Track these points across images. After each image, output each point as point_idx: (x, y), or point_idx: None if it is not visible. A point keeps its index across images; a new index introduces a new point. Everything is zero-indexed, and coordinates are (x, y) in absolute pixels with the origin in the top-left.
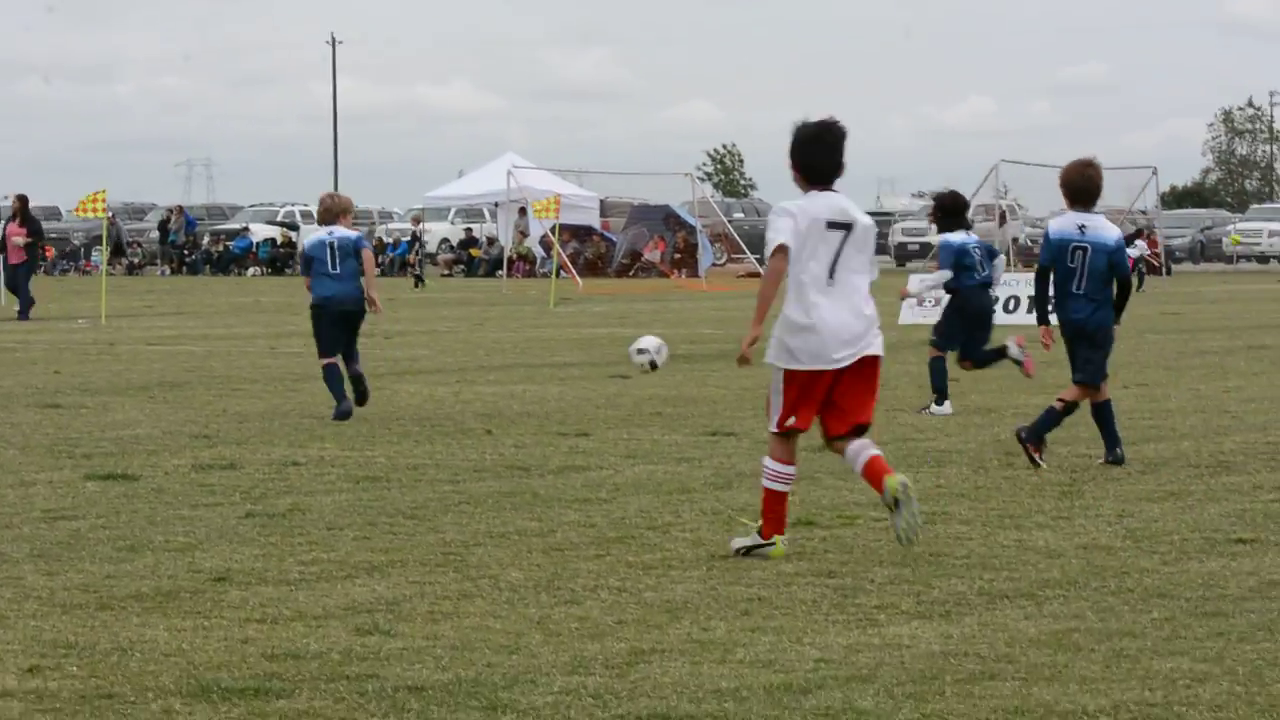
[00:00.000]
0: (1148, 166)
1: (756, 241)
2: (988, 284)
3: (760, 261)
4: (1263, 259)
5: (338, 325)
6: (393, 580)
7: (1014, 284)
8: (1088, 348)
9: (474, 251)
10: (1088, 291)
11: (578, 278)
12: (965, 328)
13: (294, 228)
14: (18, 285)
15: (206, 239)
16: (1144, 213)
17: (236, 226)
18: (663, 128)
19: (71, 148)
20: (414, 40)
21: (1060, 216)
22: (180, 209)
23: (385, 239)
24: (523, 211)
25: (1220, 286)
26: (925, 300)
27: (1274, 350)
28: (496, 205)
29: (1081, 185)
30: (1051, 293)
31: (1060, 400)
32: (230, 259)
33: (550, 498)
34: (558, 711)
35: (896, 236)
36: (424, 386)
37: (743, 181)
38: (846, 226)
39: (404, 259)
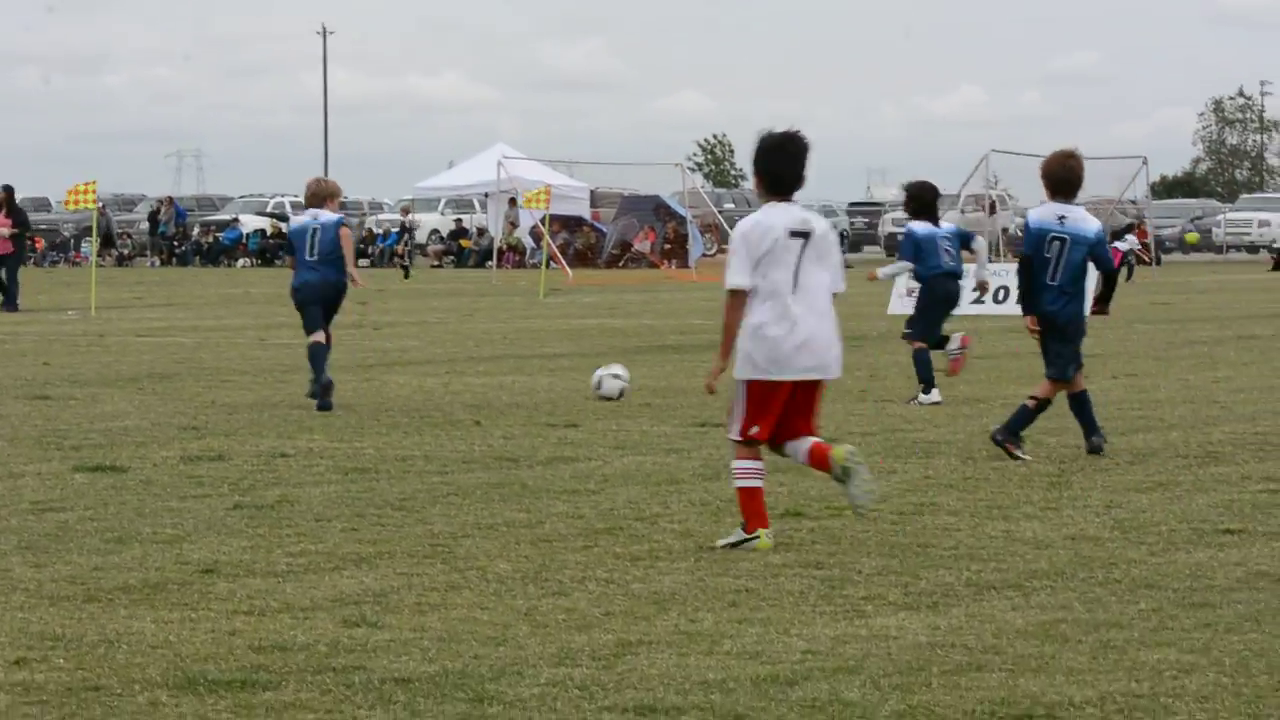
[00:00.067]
0: (1138, 156)
1: None
2: (955, 273)
3: None
4: (1252, 249)
5: (316, 304)
6: (380, 572)
7: (1004, 274)
8: (1058, 341)
9: (464, 242)
10: (1061, 283)
11: (568, 268)
12: (940, 313)
13: (284, 219)
14: (5, 277)
15: (196, 230)
16: (1134, 202)
17: (226, 218)
18: (654, 118)
19: (62, 139)
20: (404, 31)
21: (1041, 207)
22: (170, 200)
23: (375, 230)
24: (513, 202)
25: (1210, 276)
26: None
27: (1263, 340)
28: (486, 196)
29: (1063, 176)
30: None
31: (1032, 398)
32: (220, 250)
33: (539, 489)
34: (544, 703)
35: (886, 227)
36: (413, 378)
37: (733, 172)
38: (805, 235)
39: (393, 250)
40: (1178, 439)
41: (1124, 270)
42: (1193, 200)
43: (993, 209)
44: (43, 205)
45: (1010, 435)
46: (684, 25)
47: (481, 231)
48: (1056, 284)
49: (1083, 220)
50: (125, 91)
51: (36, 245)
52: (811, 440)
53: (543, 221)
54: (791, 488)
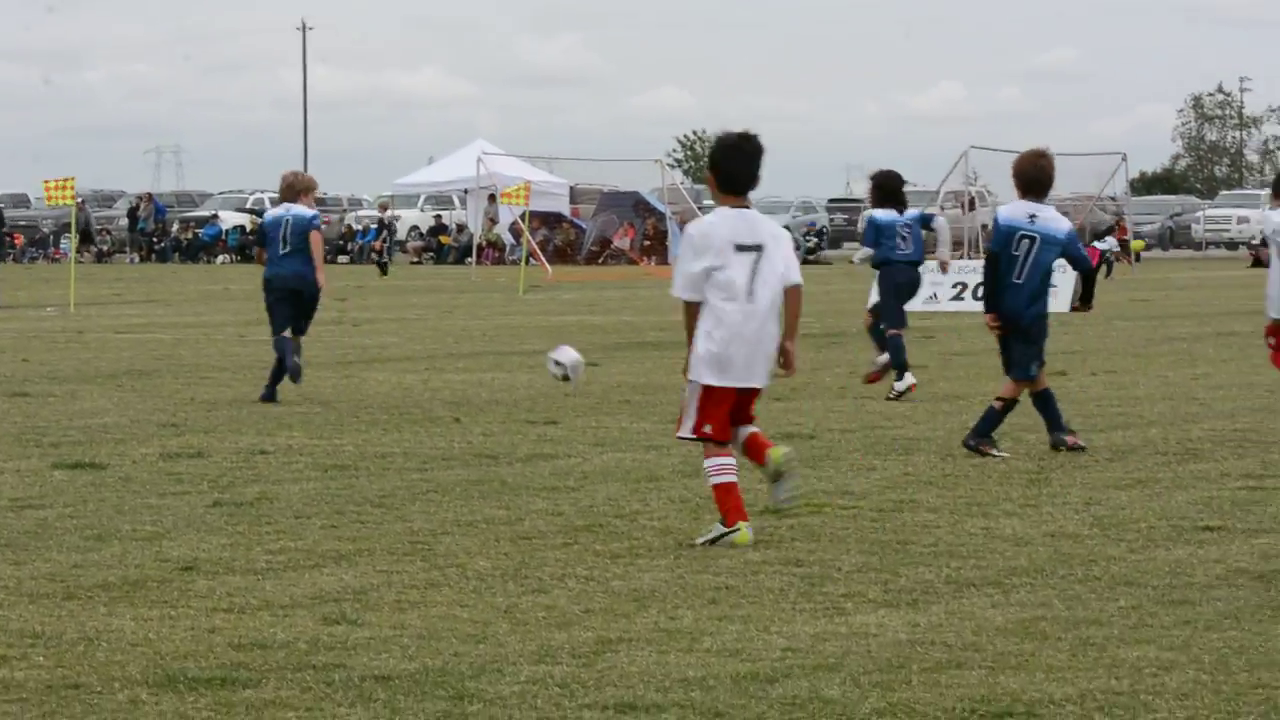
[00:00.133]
0: (1117, 153)
1: None
2: (913, 260)
3: None
4: (1231, 245)
5: (286, 302)
6: (360, 569)
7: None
8: (1021, 341)
9: (443, 239)
10: (1027, 282)
11: (547, 265)
12: (902, 297)
13: (263, 215)
14: None
15: (176, 226)
16: (1113, 199)
17: (206, 214)
18: (633, 114)
19: (40, 135)
20: (384, 26)
21: (1011, 204)
22: (149, 196)
23: (355, 226)
24: (492, 198)
25: (1189, 273)
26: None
27: (1242, 337)
28: (466, 192)
29: (1034, 176)
30: None
31: (999, 399)
32: (199, 246)
33: (518, 486)
34: (524, 700)
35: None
36: (392, 374)
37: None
38: (756, 248)
39: (371, 246)
40: (1157, 436)
41: (1103, 268)
42: (1172, 197)
43: (972, 205)
44: (21, 201)
45: (981, 438)
46: (663, 21)
47: (461, 228)
48: (1022, 283)
49: (1054, 220)
50: (104, 87)
51: (15, 242)
52: (749, 430)
53: (522, 218)
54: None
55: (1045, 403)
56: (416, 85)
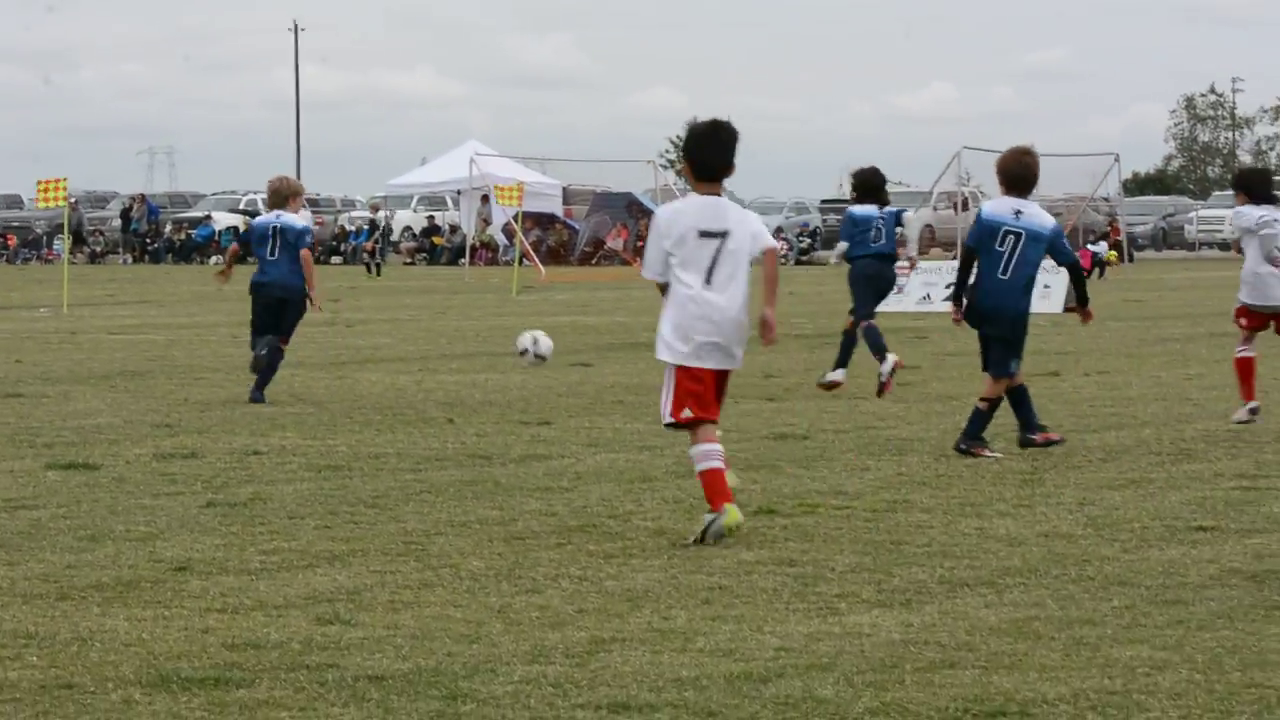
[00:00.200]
0: (1110, 153)
1: None
2: (884, 254)
3: None
4: (1224, 246)
5: (270, 310)
6: (354, 569)
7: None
8: (1002, 339)
9: (436, 239)
10: (1013, 278)
11: (540, 266)
12: (871, 292)
13: (256, 215)
14: None
15: (169, 227)
16: (1106, 199)
17: (199, 214)
18: (626, 114)
19: (33, 135)
20: (377, 27)
21: (995, 200)
22: (142, 197)
23: (348, 227)
24: (485, 199)
25: (1182, 274)
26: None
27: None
28: (459, 193)
29: (1019, 173)
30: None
31: (983, 400)
32: (193, 247)
33: (512, 486)
34: (518, 700)
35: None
36: (386, 375)
37: None
38: (720, 234)
39: (361, 247)
40: (1150, 436)
41: (1096, 270)
42: (1165, 197)
43: (964, 206)
44: (14, 202)
45: (973, 440)
46: (656, 21)
47: (454, 229)
48: (1007, 278)
49: (1039, 216)
50: (97, 88)
51: (8, 242)
52: (718, 465)
53: (515, 218)
54: (765, 485)
55: (1020, 400)
56: (409, 86)
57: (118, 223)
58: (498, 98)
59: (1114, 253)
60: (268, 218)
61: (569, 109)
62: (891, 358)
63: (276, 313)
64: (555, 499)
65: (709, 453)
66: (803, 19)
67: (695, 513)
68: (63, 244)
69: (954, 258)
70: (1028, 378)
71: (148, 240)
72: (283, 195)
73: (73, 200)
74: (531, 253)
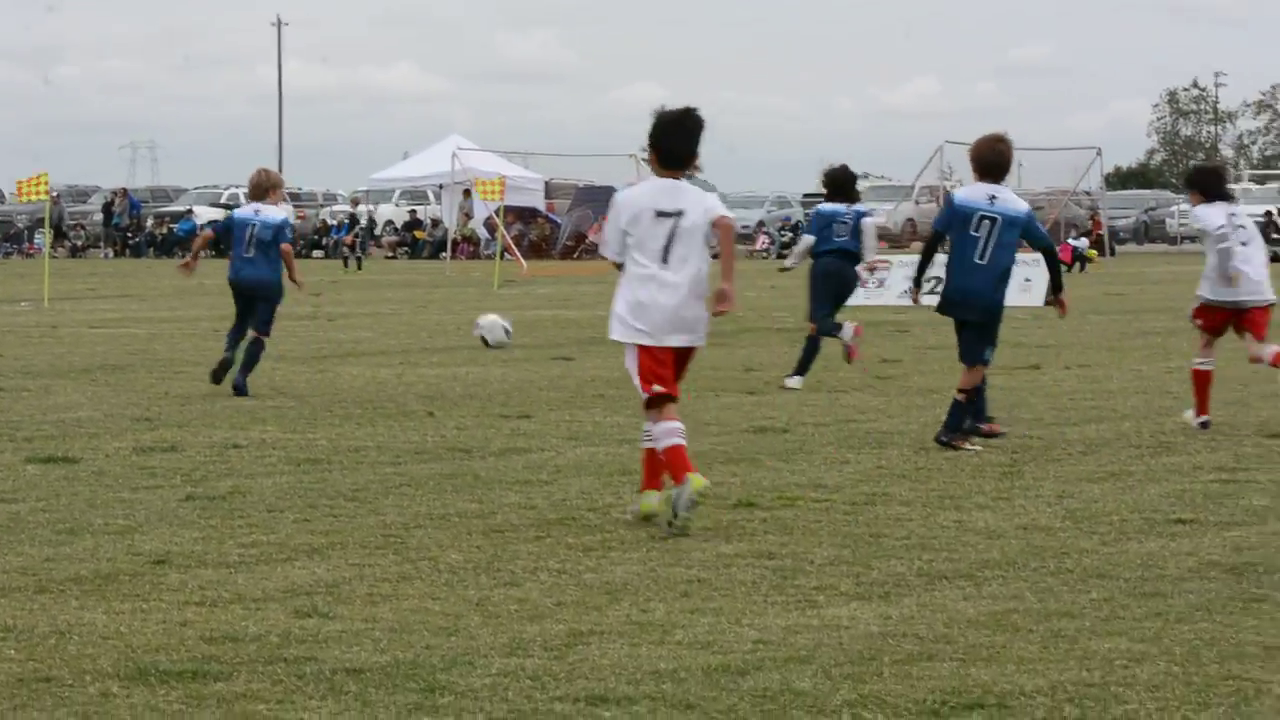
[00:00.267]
0: (1092, 147)
1: None
2: (845, 250)
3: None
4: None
5: (246, 301)
6: (332, 563)
7: None
8: (977, 324)
9: (418, 233)
10: (991, 264)
11: (522, 260)
12: (829, 290)
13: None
14: None
15: (150, 221)
16: (1088, 194)
17: (181, 209)
18: (608, 109)
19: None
20: (359, 22)
21: (969, 186)
22: (124, 191)
23: (330, 221)
24: (467, 193)
25: (1164, 267)
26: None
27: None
28: (441, 187)
29: (993, 160)
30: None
31: (960, 391)
32: (174, 241)
33: (491, 480)
34: (496, 693)
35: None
36: (366, 369)
37: None
38: (675, 214)
39: (340, 241)
40: (1130, 429)
41: (1077, 264)
42: (1147, 191)
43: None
44: None
45: (954, 433)
46: (638, 16)
47: (436, 223)
48: (985, 264)
49: (1013, 201)
50: (79, 83)
51: None
52: (679, 443)
53: (497, 213)
54: (744, 478)
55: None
56: (391, 81)
57: (99, 217)
58: (480, 93)
59: (1094, 250)
60: (247, 213)
61: (552, 104)
62: (850, 325)
63: (253, 304)
64: (535, 492)
65: (671, 430)
66: (786, 14)
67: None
68: (44, 238)
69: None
70: (1009, 371)
71: (129, 234)
72: (263, 188)
73: (54, 194)
74: (513, 247)
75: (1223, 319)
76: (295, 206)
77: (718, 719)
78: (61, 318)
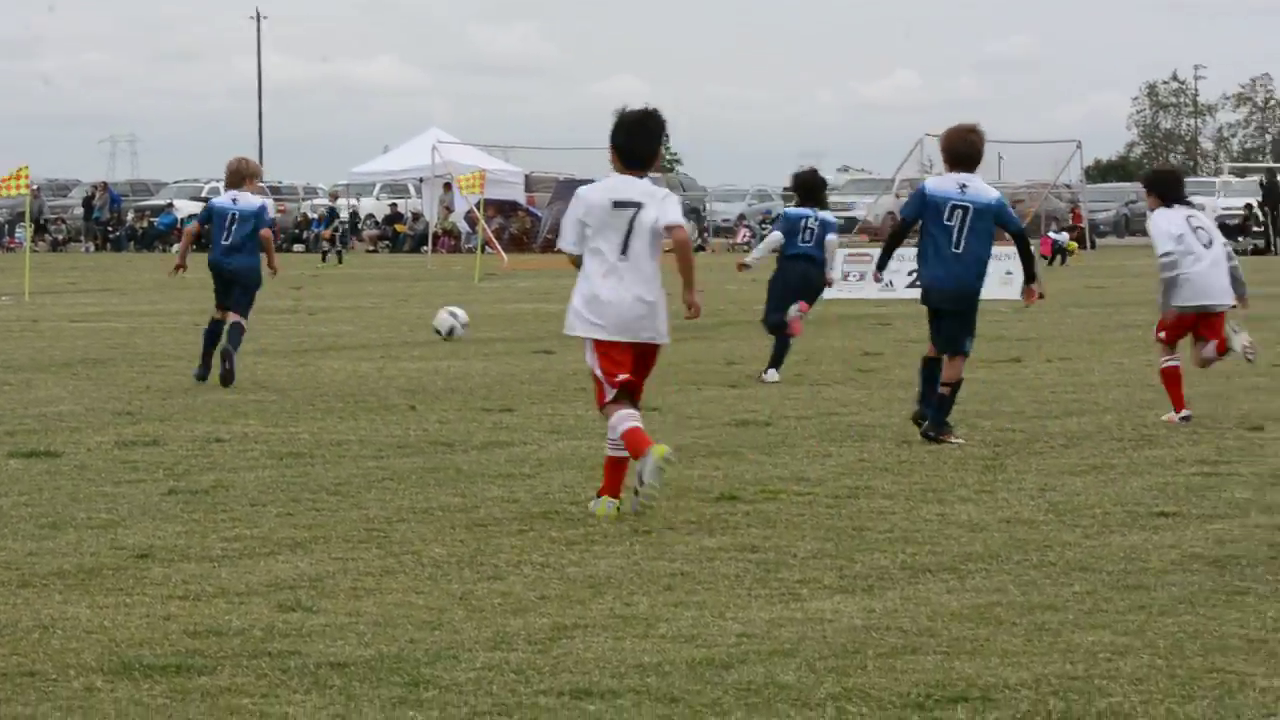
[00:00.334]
0: (1072, 140)
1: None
2: (812, 256)
3: None
4: None
5: (225, 283)
6: (315, 557)
7: None
8: (953, 314)
9: (399, 227)
10: (967, 252)
11: (503, 253)
12: (789, 294)
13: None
14: None
15: (131, 215)
16: (1069, 187)
17: (161, 202)
18: (588, 103)
19: None
20: (338, 15)
21: (939, 176)
22: (105, 185)
23: (310, 214)
24: (448, 187)
25: (1144, 260)
26: (849, 275)
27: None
28: (421, 180)
29: (964, 151)
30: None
31: (944, 385)
32: (155, 235)
33: (474, 473)
34: (480, 687)
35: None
36: (348, 362)
37: (668, 156)
38: (634, 205)
39: (319, 235)
40: (1112, 422)
41: (1058, 257)
42: (1127, 184)
43: None
44: None
45: (940, 427)
46: (618, 9)
47: (416, 216)
48: (961, 252)
49: (984, 189)
50: (58, 76)
51: None
52: (635, 424)
53: (477, 206)
54: (727, 471)
55: (930, 374)
56: (372, 74)
57: (80, 211)
58: (461, 86)
59: (1074, 243)
60: (225, 202)
61: (532, 97)
62: (794, 307)
63: (232, 287)
64: (517, 486)
65: (626, 415)
66: (765, 8)
67: (657, 499)
68: (24, 232)
69: (915, 245)
70: (990, 364)
71: (110, 228)
72: (240, 176)
73: (34, 188)
74: (494, 240)
75: (1190, 323)
76: (276, 200)
77: (702, 712)
78: (42, 312)
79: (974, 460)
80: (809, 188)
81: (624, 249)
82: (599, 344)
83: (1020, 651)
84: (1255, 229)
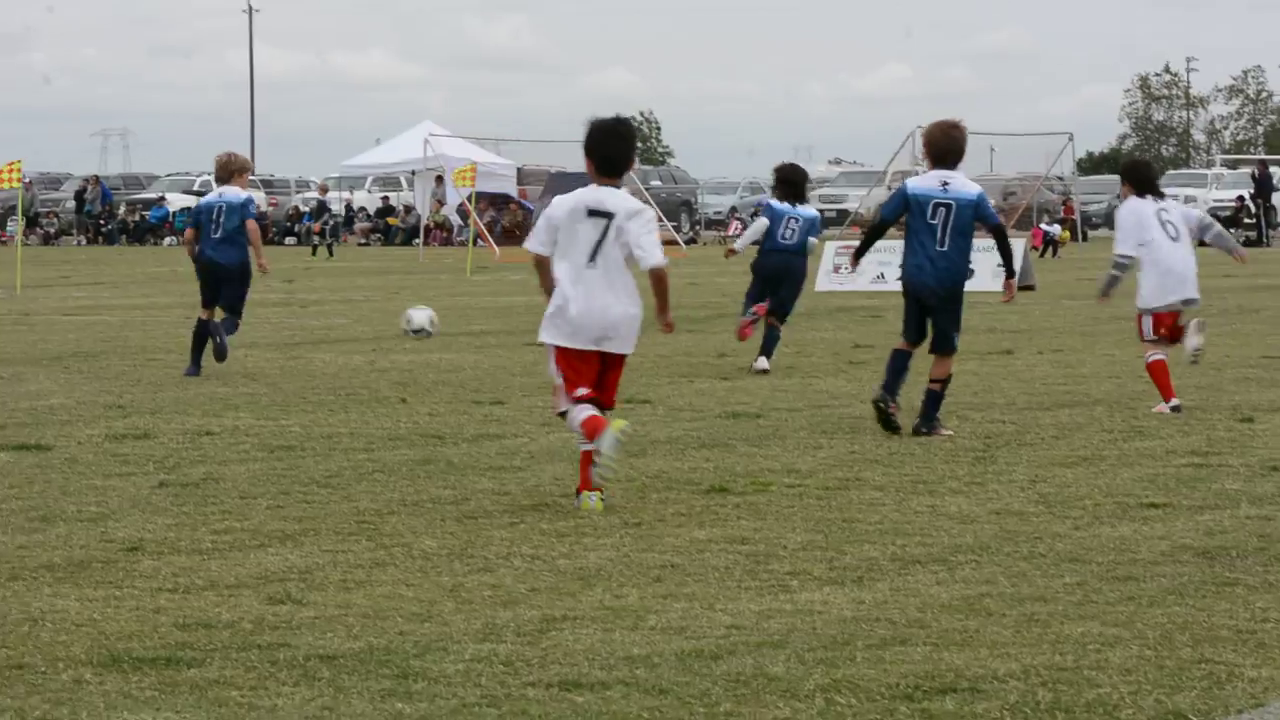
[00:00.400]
0: (1064, 132)
1: (673, 209)
2: (792, 250)
3: (676, 229)
4: None
5: (215, 280)
6: (305, 549)
7: None
8: (941, 310)
9: (391, 220)
10: (951, 249)
11: (495, 246)
12: (765, 288)
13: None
14: None
15: (123, 209)
16: (1060, 179)
17: (153, 196)
18: (581, 96)
19: None
20: (331, 8)
21: (920, 175)
22: (96, 179)
23: (302, 207)
24: (440, 180)
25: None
26: (840, 268)
27: (1185, 316)
28: (414, 173)
29: (947, 146)
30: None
31: (934, 381)
32: (146, 229)
33: (464, 466)
34: (469, 679)
35: (814, 204)
36: (339, 355)
37: (660, 149)
38: (608, 215)
39: (309, 228)
40: (1102, 414)
41: (1050, 249)
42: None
43: None
44: None
45: (932, 422)
46: (611, 3)
47: (409, 209)
48: (946, 249)
49: (965, 185)
50: (50, 70)
51: None
52: (592, 413)
53: (469, 199)
54: (717, 463)
55: (902, 368)
56: (364, 67)
57: (72, 204)
58: (453, 79)
59: (1067, 232)
60: (212, 197)
61: (525, 90)
62: (764, 362)
63: (222, 284)
64: (508, 478)
65: (582, 409)
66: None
67: (648, 492)
68: (16, 225)
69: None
70: (981, 356)
71: (101, 222)
72: (229, 170)
73: (26, 181)
74: (486, 233)
75: (1172, 319)
76: (268, 194)
77: (691, 704)
78: (34, 305)
79: (965, 452)
80: (791, 182)
81: (593, 257)
82: (561, 352)
83: (1009, 643)
84: (1247, 221)
